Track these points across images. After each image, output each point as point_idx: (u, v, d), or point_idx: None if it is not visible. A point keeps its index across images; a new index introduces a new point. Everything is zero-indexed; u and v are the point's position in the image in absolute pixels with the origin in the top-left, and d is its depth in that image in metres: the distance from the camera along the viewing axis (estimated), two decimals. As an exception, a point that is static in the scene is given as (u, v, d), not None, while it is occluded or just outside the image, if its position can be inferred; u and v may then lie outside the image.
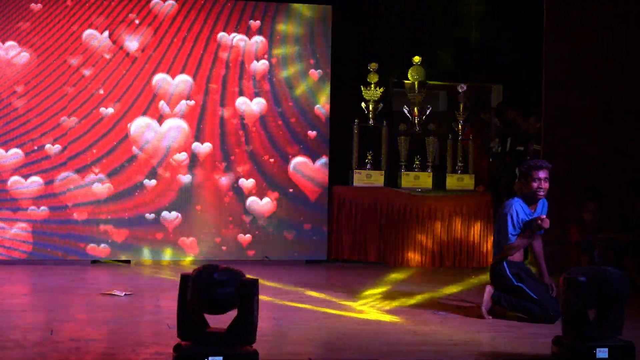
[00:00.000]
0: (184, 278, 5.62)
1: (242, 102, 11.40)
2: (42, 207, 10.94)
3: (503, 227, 7.95)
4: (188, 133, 11.27)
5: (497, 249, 8.13)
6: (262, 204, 11.43)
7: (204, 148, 11.32)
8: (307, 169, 11.56)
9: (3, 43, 10.87)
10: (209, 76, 11.31)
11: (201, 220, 11.32)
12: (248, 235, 11.40)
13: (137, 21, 11.17)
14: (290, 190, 11.50)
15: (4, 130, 10.86)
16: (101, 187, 11.08)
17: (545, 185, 7.98)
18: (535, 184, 7.97)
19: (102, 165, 11.08)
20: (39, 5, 10.95)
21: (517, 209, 7.96)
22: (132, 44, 11.14)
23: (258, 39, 11.45)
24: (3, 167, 10.86)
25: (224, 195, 11.38)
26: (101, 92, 11.04)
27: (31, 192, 10.92)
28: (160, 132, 11.23)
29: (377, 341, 6.94)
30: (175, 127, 11.27)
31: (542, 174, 7.97)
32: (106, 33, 11.06)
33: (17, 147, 10.90)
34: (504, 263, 8.02)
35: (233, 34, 11.37)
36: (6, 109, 10.88)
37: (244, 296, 5.52)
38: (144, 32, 11.18)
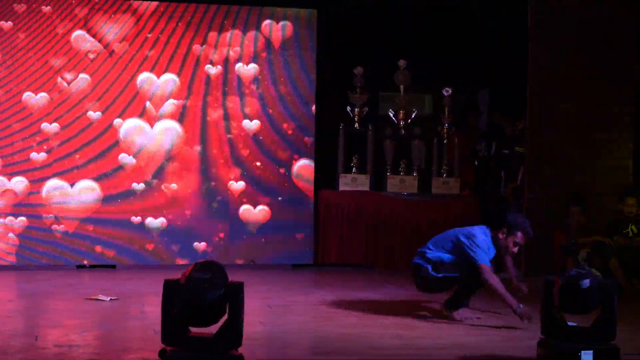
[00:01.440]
0: (168, 284, 5.60)
1: (228, 105, 11.40)
2: (27, 213, 10.91)
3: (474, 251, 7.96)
4: (182, 135, 11.26)
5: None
6: (249, 209, 11.42)
7: (192, 152, 11.31)
8: (293, 173, 11.56)
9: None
10: (194, 77, 11.31)
11: (188, 225, 11.31)
12: (235, 239, 11.40)
13: (114, 17, 11.18)
14: (278, 193, 11.50)
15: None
16: (87, 192, 11.05)
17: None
18: (516, 249, 8.10)
19: (88, 170, 11.06)
20: (23, 6, 10.95)
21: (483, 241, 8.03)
22: (115, 43, 11.15)
23: (244, 42, 11.45)
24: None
25: (213, 200, 11.37)
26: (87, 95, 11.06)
27: (16, 198, 10.89)
28: (152, 134, 11.22)
29: (363, 345, 6.94)
30: (168, 130, 11.27)
31: (524, 241, 8.08)
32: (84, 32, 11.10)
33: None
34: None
35: (218, 37, 11.37)
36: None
37: (230, 299, 5.51)
38: (128, 31, 11.19)
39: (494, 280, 7.78)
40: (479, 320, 7.96)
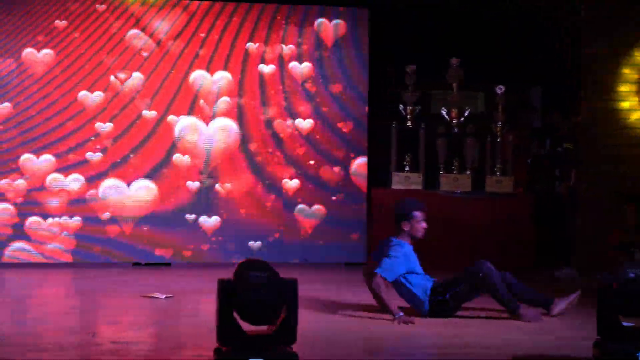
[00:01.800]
0: (222, 283, 5.63)
1: (282, 104, 11.45)
2: (82, 212, 11.05)
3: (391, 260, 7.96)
4: (236, 134, 11.33)
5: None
6: (304, 208, 11.47)
7: (247, 150, 11.37)
8: (346, 172, 11.59)
9: (38, 51, 11.00)
10: (247, 76, 11.37)
11: (243, 224, 11.37)
12: (290, 238, 11.44)
13: (167, 15, 11.29)
14: (332, 192, 11.54)
15: (46, 138, 11.02)
16: (143, 191, 11.16)
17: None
18: (423, 225, 8.17)
19: (144, 169, 11.17)
20: (77, 5, 11.09)
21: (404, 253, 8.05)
22: (169, 41, 11.27)
23: (298, 41, 11.49)
24: (41, 171, 10.98)
25: (267, 199, 11.43)
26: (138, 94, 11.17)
27: (72, 196, 11.03)
28: (207, 133, 11.31)
29: (413, 344, 6.93)
30: (222, 128, 11.34)
31: (425, 215, 8.13)
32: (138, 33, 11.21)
33: (52, 154, 11.07)
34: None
35: (272, 35, 11.44)
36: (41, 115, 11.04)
37: (285, 298, 5.54)
38: (182, 29, 11.29)
39: (379, 290, 7.79)
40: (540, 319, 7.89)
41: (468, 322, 7.90)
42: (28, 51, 10.99)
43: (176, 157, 11.22)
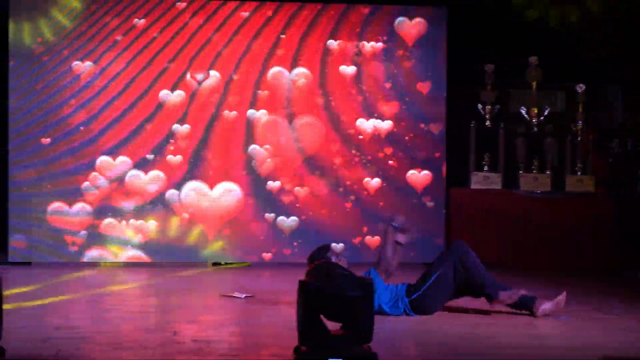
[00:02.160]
0: (302, 283, 5.68)
1: (363, 104, 11.47)
2: (162, 213, 11.19)
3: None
4: (318, 133, 11.39)
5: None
6: (384, 208, 11.46)
7: (328, 149, 11.43)
8: (424, 172, 11.56)
9: (116, 51, 11.17)
10: (328, 75, 11.41)
11: (323, 224, 11.42)
12: (370, 238, 11.45)
13: (244, 14, 11.36)
14: (411, 192, 11.52)
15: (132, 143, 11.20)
16: (225, 193, 11.26)
17: None
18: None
19: (224, 170, 11.28)
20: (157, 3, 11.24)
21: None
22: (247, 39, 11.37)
23: (378, 40, 11.49)
24: (118, 171, 11.16)
25: (348, 199, 11.46)
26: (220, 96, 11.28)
27: (151, 196, 11.18)
28: (289, 133, 11.38)
29: (489, 345, 6.89)
30: (303, 127, 11.40)
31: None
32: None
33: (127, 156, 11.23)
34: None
35: (352, 36, 11.46)
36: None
37: (364, 297, 5.57)
38: (260, 28, 11.37)
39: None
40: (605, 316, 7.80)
41: (546, 321, 7.83)
42: (105, 52, 11.15)
43: (257, 155, 11.29)
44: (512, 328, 7.53)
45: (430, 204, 11.57)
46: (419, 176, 11.55)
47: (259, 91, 11.33)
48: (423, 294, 7.84)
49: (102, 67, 11.14)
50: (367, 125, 11.47)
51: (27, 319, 7.54)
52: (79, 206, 11.09)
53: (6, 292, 8.64)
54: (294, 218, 11.36)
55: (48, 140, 11.03)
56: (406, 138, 11.55)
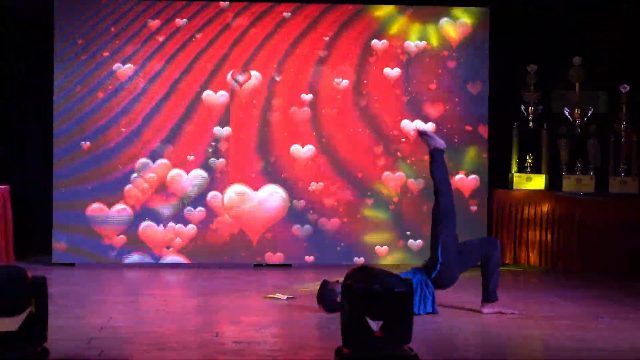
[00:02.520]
0: (347, 286, 5.68)
1: (406, 106, 11.45)
2: (205, 213, 11.22)
3: None
4: (359, 135, 11.40)
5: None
6: (426, 210, 11.41)
7: (372, 151, 11.42)
8: (467, 173, 11.51)
9: (156, 52, 11.24)
10: (368, 78, 11.40)
11: (363, 225, 11.41)
12: (413, 241, 11.42)
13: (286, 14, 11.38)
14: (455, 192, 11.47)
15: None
16: (270, 197, 11.28)
17: None
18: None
19: (270, 173, 11.31)
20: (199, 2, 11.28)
21: None
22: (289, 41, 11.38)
23: (422, 42, 11.46)
24: (160, 174, 11.21)
25: (389, 201, 11.44)
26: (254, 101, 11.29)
27: (196, 200, 11.23)
28: (332, 134, 11.40)
29: (536, 347, 6.85)
30: (348, 127, 11.42)
31: None
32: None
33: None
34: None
35: (395, 37, 11.43)
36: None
37: (400, 297, 5.56)
38: (303, 31, 11.38)
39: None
40: None
41: (592, 324, 7.77)
42: (146, 54, 11.21)
43: (299, 157, 11.32)
44: (558, 330, 7.47)
45: (472, 204, 11.50)
46: (461, 177, 11.46)
47: (303, 94, 11.32)
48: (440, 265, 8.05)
49: (142, 69, 11.16)
50: (410, 126, 11.41)
51: (71, 320, 7.60)
52: (119, 208, 11.13)
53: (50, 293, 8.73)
54: (335, 220, 11.34)
55: (88, 143, 11.08)
56: (448, 139, 11.47)
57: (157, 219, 11.18)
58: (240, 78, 11.27)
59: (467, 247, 8.18)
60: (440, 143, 8.18)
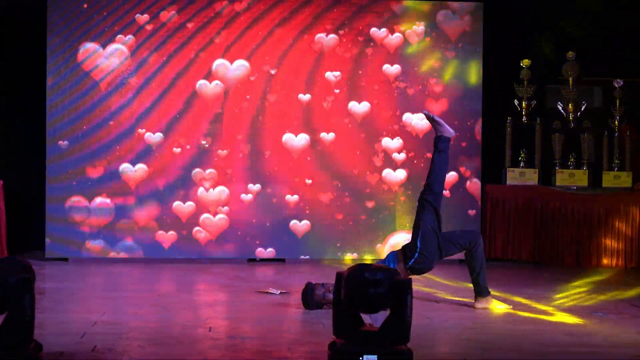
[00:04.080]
0: (339, 277, 5.67)
1: (406, 102, 11.45)
2: (199, 210, 11.22)
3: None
4: (365, 131, 11.40)
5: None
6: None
7: (373, 149, 11.44)
8: (460, 167, 11.51)
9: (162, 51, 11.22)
10: (366, 74, 11.40)
11: (362, 222, 11.41)
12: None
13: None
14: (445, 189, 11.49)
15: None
16: (254, 190, 11.29)
17: None
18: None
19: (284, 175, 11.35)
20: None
21: None
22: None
23: (418, 37, 11.46)
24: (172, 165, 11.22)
25: (389, 197, 11.45)
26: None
27: (188, 195, 11.23)
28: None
29: (533, 342, 6.85)
30: (351, 124, 11.42)
31: None
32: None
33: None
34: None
35: (392, 33, 11.44)
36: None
37: (398, 295, 5.54)
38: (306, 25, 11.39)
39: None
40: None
41: (588, 320, 7.77)
42: (140, 49, 11.19)
43: (293, 150, 11.31)
44: (554, 326, 7.48)
45: (465, 198, 11.50)
46: (451, 170, 11.44)
47: (300, 92, 11.32)
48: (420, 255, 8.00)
49: (137, 64, 11.16)
50: (404, 122, 11.41)
51: (64, 315, 7.58)
52: (109, 202, 11.11)
53: (43, 288, 8.72)
54: (329, 216, 11.33)
55: (80, 139, 11.07)
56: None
57: (151, 214, 11.17)
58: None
59: (448, 237, 8.10)
60: (448, 131, 8.11)
